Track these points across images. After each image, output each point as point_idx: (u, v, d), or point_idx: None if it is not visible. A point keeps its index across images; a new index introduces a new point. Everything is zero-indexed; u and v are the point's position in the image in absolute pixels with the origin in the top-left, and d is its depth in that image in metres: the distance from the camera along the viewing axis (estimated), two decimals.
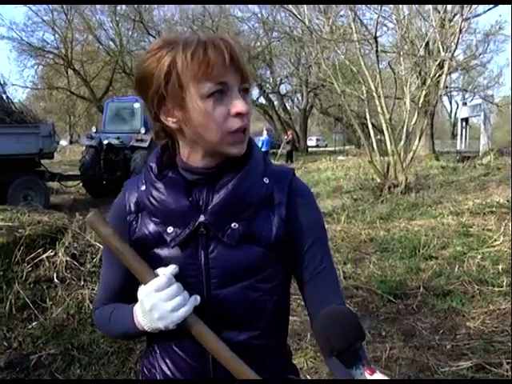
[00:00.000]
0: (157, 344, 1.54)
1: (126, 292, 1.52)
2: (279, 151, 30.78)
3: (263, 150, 27.76)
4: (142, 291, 1.37)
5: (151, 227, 1.47)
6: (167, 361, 1.52)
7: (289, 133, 33.59)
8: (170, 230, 1.42)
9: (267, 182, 1.46)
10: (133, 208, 1.51)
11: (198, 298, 1.37)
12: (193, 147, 1.44)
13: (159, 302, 1.33)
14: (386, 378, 1.15)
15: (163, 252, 1.45)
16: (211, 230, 1.41)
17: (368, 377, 1.14)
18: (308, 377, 4.25)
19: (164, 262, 1.42)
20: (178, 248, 1.43)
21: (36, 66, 41.72)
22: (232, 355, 1.36)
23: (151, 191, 1.46)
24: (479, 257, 7.27)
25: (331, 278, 1.51)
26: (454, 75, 31.18)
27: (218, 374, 1.45)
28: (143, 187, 1.49)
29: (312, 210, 1.53)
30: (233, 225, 1.40)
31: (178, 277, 1.40)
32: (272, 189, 1.46)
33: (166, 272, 1.36)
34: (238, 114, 1.34)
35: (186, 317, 1.34)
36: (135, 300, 1.43)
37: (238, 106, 1.34)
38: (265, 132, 30.40)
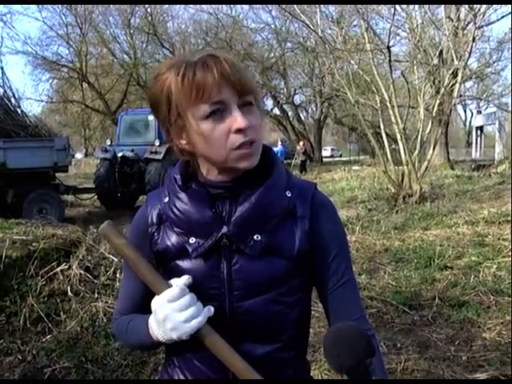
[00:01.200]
0: (176, 357, 1.54)
1: (146, 303, 1.53)
2: (293, 161, 30.72)
3: None
4: (156, 302, 1.37)
5: (174, 238, 1.47)
6: (186, 373, 1.51)
7: (301, 143, 33.54)
8: (192, 240, 1.43)
9: (289, 195, 1.46)
10: (155, 220, 1.52)
11: (212, 308, 1.37)
12: (208, 165, 1.46)
13: (172, 312, 1.33)
14: None
15: (185, 263, 1.45)
16: (234, 242, 1.41)
17: None
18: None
19: (186, 274, 1.43)
20: (200, 259, 1.43)
21: (51, 80, 42.12)
22: (246, 366, 1.36)
23: (175, 202, 1.46)
24: (495, 267, 7.21)
25: (353, 290, 1.52)
26: (468, 84, 30.94)
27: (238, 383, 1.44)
28: (166, 199, 1.49)
29: (334, 223, 1.54)
30: (255, 237, 1.40)
31: (200, 288, 1.41)
32: (295, 202, 1.46)
33: (179, 283, 1.37)
34: (239, 130, 1.34)
35: (200, 327, 1.34)
36: None
37: (237, 122, 1.33)
38: (279, 142, 30.42)
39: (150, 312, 1.46)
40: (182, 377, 1.52)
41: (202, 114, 1.34)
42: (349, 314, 1.46)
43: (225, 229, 1.41)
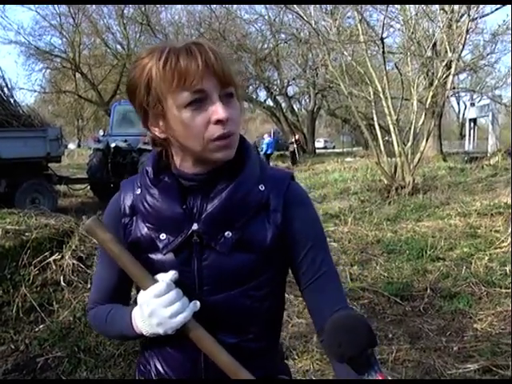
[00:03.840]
0: (151, 342, 1.54)
1: (121, 292, 1.55)
2: (287, 152, 30.78)
3: (268, 152, 27.77)
4: (142, 297, 1.37)
5: (145, 231, 1.47)
6: (160, 359, 1.53)
7: (296, 136, 33.64)
8: (162, 236, 1.43)
9: (263, 189, 1.45)
10: (127, 211, 1.52)
11: (198, 303, 1.37)
12: (183, 155, 1.44)
13: (158, 307, 1.33)
14: None
15: (157, 257, 1.45)
16: (204, 239, 1.41)
17: None
18: (314, 379, 4.25)
19: (158, 267, 1.43)
20: (171, 254, 1.43)
21: (44, 70, 41.81)
22: (229, 358, 1.37)
23: (145, 196, 1.46)
24: (486, 258, 7.24)
25: (332, 282, 1.49)
26: (462, 76, 30.96)
27: (208, 374, 1.46)
28: (138, 191, 1.49)
29: (309, 215, 1.52)
30: (226, 233, 1.40)
31: (174, 282, 1.40)
32: (268, 195, 1.45)
33: (165, 278, 1.36)
34: (219, 121, 1.32)
35: (185, 322, 1.35)
36: (128, 300, 1.44)
37: (218, 113, 1.32)
38: (266, 135, 30.38)
39: (124, 301, 1.50)
40: (156, 362, 1.53)
41: (183, 101, 1.32)
42: (330, 305, 1.43)
43: (195, 226, 1.40)
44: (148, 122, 1.43)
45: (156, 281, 1.37)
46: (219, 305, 1.43)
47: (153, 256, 1.46)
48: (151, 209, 1.44)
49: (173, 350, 1.49)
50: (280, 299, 1.57)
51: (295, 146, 31.82)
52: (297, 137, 33.55)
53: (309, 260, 1.47)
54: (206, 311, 1.41)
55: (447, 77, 14.48)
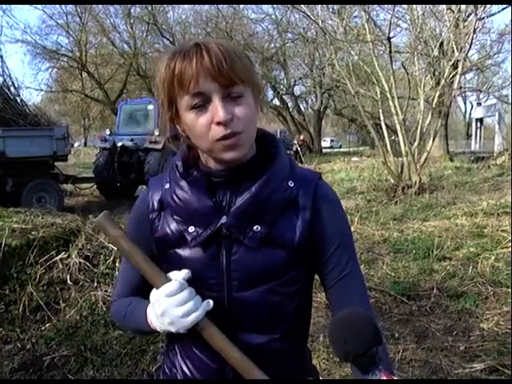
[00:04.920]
0: (177, 344, 1.54)
1: (145, 286, 1.53)
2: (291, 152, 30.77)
3: None
4: (154, 295, 1.37)
5: (173, 226, 1.46)
6: (187, 361, 1.52)
7: (301, 136, 33.68)
8: (191, 229, 1.42)
9: (292, 185, 1.44)
10: (156, 206, 1.51)
11: (211, 302, 1.37)
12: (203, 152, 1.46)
13: (170, 307, 1.33)
14: None
15: (184, 252, 1.45)
16: (233, 232, 1.40)
17: None
18: (320, 378, 4.24)
19: (185, 262, 1.43)
20: (199, 248, 1.43)
21: (50, 69, 41.97)
22: (241, 356, 1.36)
23: (175, 189, 1.45)
24: (493, 258, 7.21)
25: (356, 282, 1.50)
26: (469, 75, 30.97)
27: (237, 374, 1.43)
28: (167, 185, 1.48)
29: (337, 214, 1.52)
30: (255, 227, 1.39)
31: (198, 277, 1.41)
32: (297, 192, 1.44)
33: (178, 277, 1.36)
34: (219, 123, 1.32)
35: (199, 319, 1.34)
36: None
37: (217, 115, 1.31)
38: None
39: (149, 295, 1.47)
40: (183, 364, 1.53)
41: (186, 104, 1.34)
42: (351, 306, 1.39)
43: (224, 219, 1.40)
44: (174, 119, 1.44)
45: (168, 279, 1.37)
46: (247, 301, 1.42)
47: (180, 251, 1.46)
48: (180, 201, 1.44)
49: (199, 351, 1.48)
50: (308, 298, 1.57)
51: (299, 145, 31.80)
52: (301, 137, 33.58)
53: (335, 259, 1.47)
54: (234, 307, 1.42)
55: (454, 76, 14.46)
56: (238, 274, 1.41)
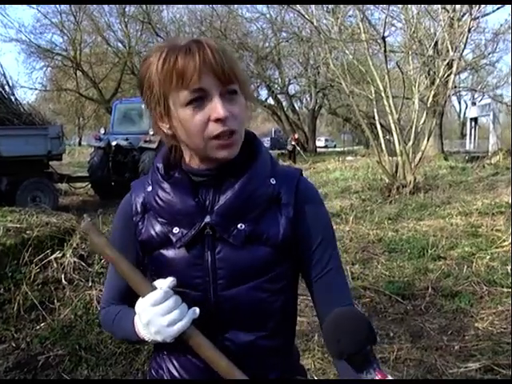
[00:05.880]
0: (164, 346, 1.52)
1: (133, 292, 1.53)
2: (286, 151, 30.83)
3: None
4: (139, 305, 1.36)
5: (157, 228, 1.46)
6: (174, 362, 1.52)
7: (296, 135, 33.70)
8: (176, 230, 1.42)
9: (274, 182, 1.45)
10: (139, 209, 1.51)
11: (197, 310, 1.36)
12: (190, 152, 1.45)
13: (155, 316, 1.32)
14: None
15: (169, 253, 1.44)
16: (217, 231, 1.40)
17: None
18: (315, 378, 4.24)
19: (170, 263, 1.43)
20: (184, 249, 1.42)
21: (45, 68, 41.82)
22: (230, 364, 1.34)
23: (157, 191, 1.45)
24: (488, 257, 7.24)
25: (338, 278, 1.50)
26: (463, 75, 30.96)
27: None
28: (149, 188, 1.48)
29: (319, 210, 1.52)
30: (239, 225, 1.39)
31: (184, 277, 1.40)
32: (279, 189, 1.45)
33: (163, 285, 1.35)
34: (218, 120, 1.32)
35: (185, 328, 1.33)
36: None
37: (217, 111, 1.31)
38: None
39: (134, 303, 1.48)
40: (170, 365, 1.53)
41: (183, 100, 1.32)
42: (335, 302, 1.42)
43: (208, 218, 1.40)
44: (156, 117, 1.43)
45: (154, 287, 1.35)
46: (234, 299, 1.42)
47: (165, 252, 1.45)
48: (163, 203, 1.44)
49: (188, 353, 1.47)
50: (294, 294, 1.56)
51: (294, 144, 31.80)
52: (296, 136, 33.58)
53: (317, 256, 1.47)
54: (221, 306, 1.42)
55: (449, 76, 14.49)
56: (224, 272, 1.41)
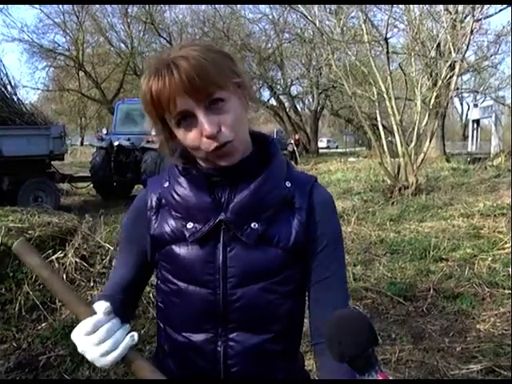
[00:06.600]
0: (167, 344, 1.55)
1: (134, 284, 1.54)
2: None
3: None
4: (74, 334, 1.29)
5: (171, 222, 1.47)
6: (175, 361, 1.52)
7: (296, 136, 33.71)
8: (189, 225, 1.42)
9: (289, 185, 1.46)
10: (154, 204, 1.52)
11: (136, 336, 1.29)
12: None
13: (88, 346, 1.25)
14: None
15: (181, 249, 1.45)
16: (231, 229, 1.41)
17: None
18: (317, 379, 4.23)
19: (181, 259, 1.44)
20: (196, 245, 1.43)
21: (47, 68, 41.89)
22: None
23: (174, 186, 1.46)
24: (490, 259, 7.23)
25: (336, 285, 1.49)
26: (465, 76, 31.01)
27: (228, 375, 1.45)
28: (166, 184, 1.50)
29: (330, 217, 1.53)
30: (252, 224, 1.40)
31: (194, 274, 1.43)
32: (293, 193, 1.46)
33: (99, 310, 1.28)
34: (208, 137, 1.32)
35: (121, 358, 1.27)
36: (140, 294, 1.54)
37: (205, 129, 1.31)
38: None
39: (136, 294, 1.56)
40: (171, 363, 1.53)
41: (173, 122, 1.35)
42: (329, 307, 1.40)
43: (222, 215, 1.40)
44: (172, 134, 1.44)
45: (90, 307, 1.29)
46: (243, 298, 1.42)
47: (176, 248, 1.46)
48: (179, 198, 1.44)
49: (191, 352, 1.47)
50: (302, 298, 1.55)
51: (294, 145, 31.78)
52: (297, 137, 33.60)
53: (319, 260, 1.48)
54: (230, 305, 1.42)
55: (451, 77, 14.48)
56: (234, 270, 1.42)
